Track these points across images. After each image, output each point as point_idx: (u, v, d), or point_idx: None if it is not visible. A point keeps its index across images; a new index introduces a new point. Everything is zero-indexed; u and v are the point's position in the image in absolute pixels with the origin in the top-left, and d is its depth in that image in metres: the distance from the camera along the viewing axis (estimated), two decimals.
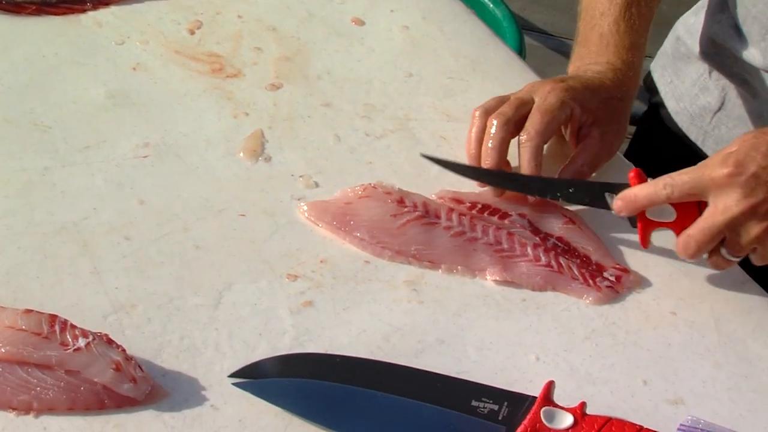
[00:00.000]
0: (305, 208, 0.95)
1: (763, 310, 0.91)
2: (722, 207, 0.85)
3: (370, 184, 0.96)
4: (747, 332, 0.88)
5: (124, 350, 0.78)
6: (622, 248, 0.96)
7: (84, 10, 1.17)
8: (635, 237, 0.95)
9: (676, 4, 1.31)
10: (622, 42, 1.04)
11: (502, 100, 0.99)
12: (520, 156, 0.95)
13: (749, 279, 0.94)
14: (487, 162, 0.96)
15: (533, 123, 0.95)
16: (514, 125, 0.96)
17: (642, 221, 0.91)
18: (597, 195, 0.93)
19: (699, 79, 1.18)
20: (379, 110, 1.09)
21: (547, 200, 0.96)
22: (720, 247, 0.88)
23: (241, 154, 1.01)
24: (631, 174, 0.91)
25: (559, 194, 0.95)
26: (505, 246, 0.92)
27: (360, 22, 1.22)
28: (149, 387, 0.76)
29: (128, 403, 0.76)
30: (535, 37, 2.92)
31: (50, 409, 0.75)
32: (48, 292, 0.84)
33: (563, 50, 2.89)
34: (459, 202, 0.96)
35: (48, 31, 1.13)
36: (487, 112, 0.98)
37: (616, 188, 0.92)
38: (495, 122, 0.96)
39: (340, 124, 1.06)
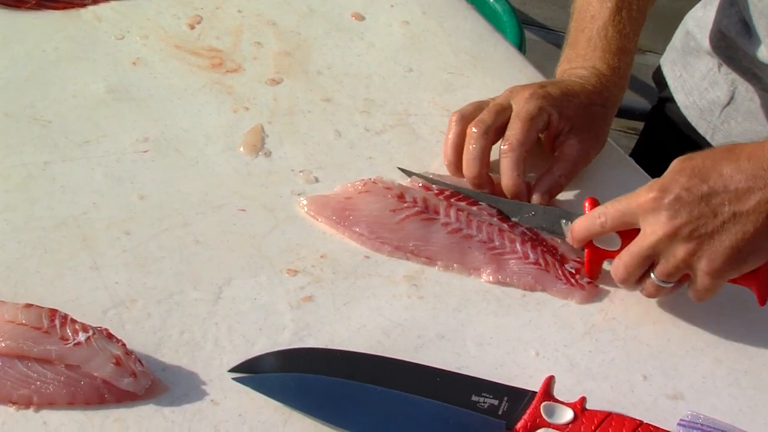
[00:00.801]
0: (305, 202, 0.95)
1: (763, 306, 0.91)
2: (649, 231, 0.84)
3: (370, 179, 0.96)
4: (747, 328, 0.88)
5: (124, 345, 0.78)
6: None
7: (84, 5, 1.17)
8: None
9: None
10: (609, 47, 1.03)
11: (479, 106, 0.98)
12: (501, 165, 0.95)
13: None
14: (468, 171, 0.95)
15: (514, 132, 0.95)
16: (494, 133, 0.96)
17: (589, 249, 0.90)
18: (554, 222, 0.94)
19: (708, 73, 1.18)
20: (379, 105, 1.09)
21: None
22: (650, 273, 0.87)
23: (241, 149, 1.01)
24: (586, 203, 0.91)
25: (521, 217, 0.95)
26: (497, 243, 0.92)
27: (360, 17, 1.22)
28: (149, 381, 0.76)
29: (128, 397, 0.76)
30: (536, 32, 2.92)
31: (50, 404, 0.75)
32: (48, 287, 0.84)
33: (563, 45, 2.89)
34: (427, 188, 0.96)
35: (48, 26, 1.13)
36: (465, 118, 0.97)
37: (572, 216, 0.92)
38: (474, 130, 0.95)
39: (340, 119, 1.06)
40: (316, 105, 1.08)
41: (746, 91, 1.13)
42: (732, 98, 1.14)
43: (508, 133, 0.95)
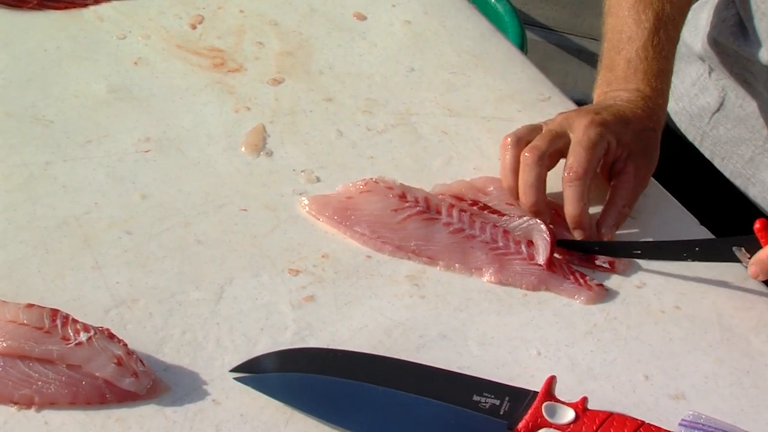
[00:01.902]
0: (306, 202, 0.95)
1: (766, 306, 0.91)
2: None
3: (371, 178, 0.96)
4: (749, 328, 0.88)
5: (125, 345, 0.78)
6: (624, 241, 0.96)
7: (85, 5, 1.17)
8: (635, 230, 0.95)
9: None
10: (651, 68, 1.01)
11: (533, 130, 0.96)
12: (565, 195, 0.92)
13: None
14: (525, 199, 0.93)
15: (579, 160, 0.92)
16: (549, 159, 0.94)
17: None
18: (725, 251, 0.90)
19: (699, 79, 1.17)
20: (381, 105, 1.09)
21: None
22: None
23: (243, 149, 1.01)
24: (757, 225, 0.87)
25: (686, 255, 0.92)
26: (501, 244, 0.92)
27: (362, 17, 1.22)
28: (151, 381, 0.76)
29: (130, 397, 0.76)
30: (537, 32, 2.92)
31: (52, 404, 0.75)
32: (49, 287, 0.84)
33: (565, 45, 2.89)
34: (459, 199, 0.96)
35: (49, 26, 1.13)
36: (520, 141, 0.94)
37: (744, 242, 0.88)
38: (529, 156, 0.92)
39: (341, 118, 1.06)
40: (318, 105, 1.08)
41: (736, 98, 1.12)
42: (722, 104, 1.14)
43: (570, 161, 0.92)
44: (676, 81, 1.20)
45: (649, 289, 0.91)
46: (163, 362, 0.79)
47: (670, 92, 1.19)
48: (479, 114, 1.09)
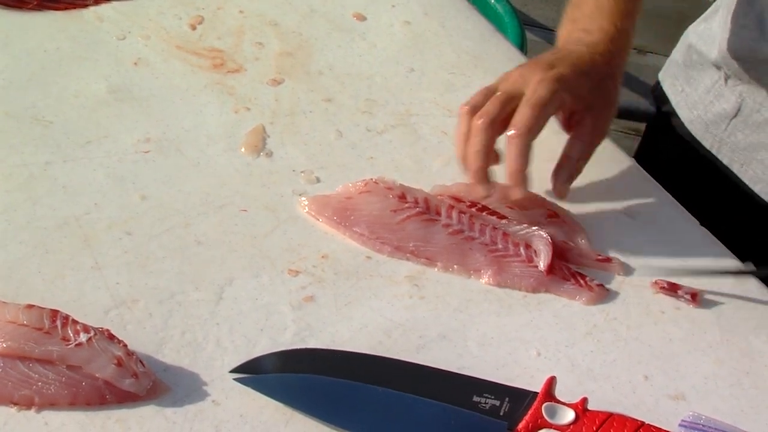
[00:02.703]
0: (306, 203, 0.95)
1: (766, 307, 0.91)
2: None
3: (371, 179, 0.96)
4: (749, 328, 0.88)
5: (125, 345, 0.78)
6: (622, 243, 0.96)
7: (85, 5, 1.17)
8: (632, 234, 0.95)
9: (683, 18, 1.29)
10: (618, 7, 1.01)
11: (487, 95, 0.94)
12: (507, 151, 0.92)
13: (751, 276, 0.94)
14: (468, 165, 0.93)
15: (523, 118, 0.90)
16: (501, 123, 0.92)
17: None
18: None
19: (714, 86, 1.16)
20: (381, 105, 1.09)
21: (529, 194, 0.94)
22: None
23: (243, 150, 1.01)
24: None
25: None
26: (500, 246, 0.92)
27: (361, 18, 1.22)
28: (151, 382, 0.76)
29: (130, 398, 0.76)
30: (537, 32, 2.91)
31: (52, 404, 0.75)
32: (49, 287, 0.84)
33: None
34: (457, 200, 0.96)
35: (49, 26, 1.13)
36: (474, 109, 0.93)
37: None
38: (478, 123, 0.92)
39: (341, 119, 1.06)
40: (318, 105, 1.08)
41: (754, 103, 1.12)
42: (739, 110, 1.13)
43: (516, 118, 0.91)
44: (689, 89, 1.20)
45: (649, 290, 0.91)
46: (163, 363, 0.79)
47: (683, 100, 1.19)
48: None
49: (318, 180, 0.98)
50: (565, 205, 0.98)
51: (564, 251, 0.93)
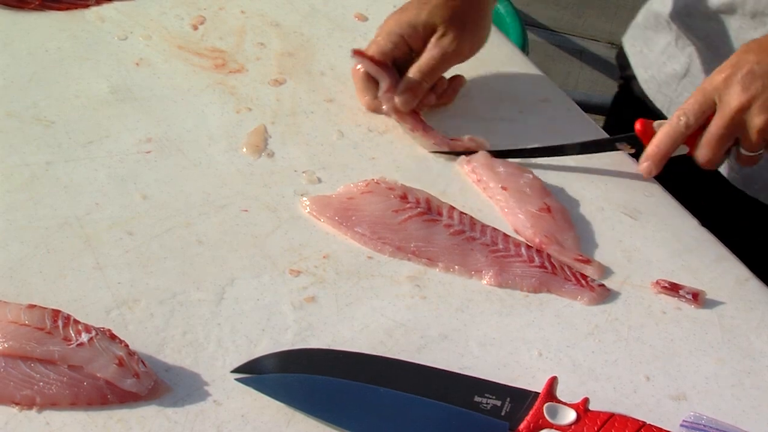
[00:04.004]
0: (308, 203, 0.95)
1: (767, 306, 0.91)
2: (725, 107, 0.89)
3: (373, 179, 0.96)
4: (750, 329, 0.88)
5: (126, 345, 0.78)
6: (621, 244, 0.96)
7: (87, 5, 1.17)
8: (631, 234, 0.95)
9: None
10: None
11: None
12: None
13: (752, 276, 0.94)
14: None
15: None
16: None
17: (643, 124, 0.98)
18: (608, 147, 1.01)
19: (667, 47, 1.20)
20: None
21: (525, 184, 0.98)
22: (739, 147, 0.93)
23: (244, 150, 1.01)
24: (638, 127, 0.97)
25: (571, 151, 1.01)
26: (501, 246, 0.92)
27: (363, 18, 1.22)
28: (152, 382, 0.76)
29: (131, 398, 0.76)
30: (538, 33, 2.92)
31: (53, 404, 0.75)
32: (51, 287, 0.84)
33: (566, 46, 2.89)
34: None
35: (51, 26, 1.13)
36: None
37: (626, 139, 0.98)
38: None
39: (343, 119, 1.06)
40: (319, 105, 1.08)
41: (702, 63, 1.14)
42: (688, 70, 1.16)
43: None
44: (646, 49, 1.24)
45: (650, 290, 0.91)
46: (165, 363, 0.79)
47: (641, 61, 1.24)
48: (480, 115, 1.09)
49: (319, 180, 0.98)
50: (565, 205, 0.98)
51: (544, 244, 0.93)
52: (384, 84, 1.04)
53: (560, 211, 0.97)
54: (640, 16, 1.27)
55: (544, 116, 1.09)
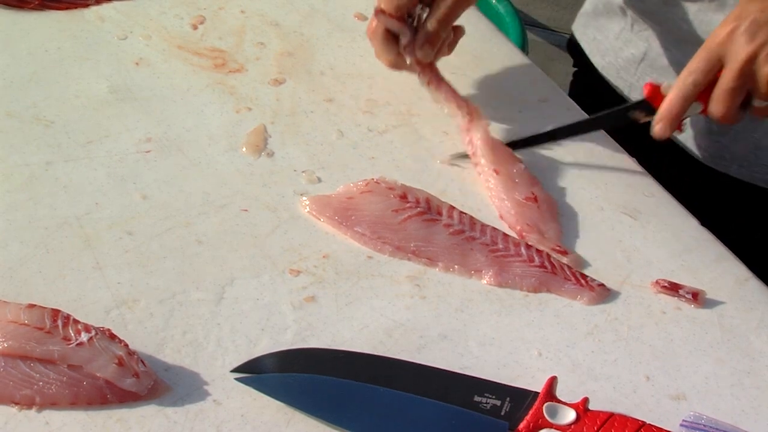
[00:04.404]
0: (307, 202, 0.95)
1: (766, 306, 0.91)
2: (732, 60, 0.88)
3: (372, 179, 0.96)
4: (750, 328, 0.88)
5: (126, 345, 0.78)
6: (621, 244, 0.96)
7: (87, 5, 1.17)
8: (631, 234, 0.95)
9: None
10: None
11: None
12: None
13: (752, 276, 0.94)
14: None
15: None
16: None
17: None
18: (622, 118, 1.00)
19: (621, 32, 1.20)
20: (382, 106, 1.09)
21: (516, 173, 0.99)
22: (752, 99, 0.91)
23: (244, 149, 1.01)
24: (646, 92, 0.96)
25: (590, 127, 1.03)
26: (500, 246, 0.92)
27: (363, 18, 1.22)
28: (152, 382, 0.76)
29: (131, 397, 0.76)
30: (538, 32, 2.92)
31: (53, 404, 0.75)
32: (51, 287, 0.84)
33: (566, 46, 2.89)
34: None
35: (51, 26, 1.13)
36: None
37: (636, 106, 0.98)
38: None
39: (342, 119, 1.06)
40: (319, 105, 1.08)
41: (659, 47, 1.15)
42: (645, 54, 1.16)
43: None
44: (600, 36, 1.24)
45: (650, 290, 0.91)
46: (164, 362, 0.79)
47: (596, 48, 1.25)
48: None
49: (319, 180, 0.98)
50: (564, 204, 0.98)
51: (525, 232, 0.94)
52: (405, 38, 1.02)
53: (546, 201, 0.97)
54: (589, 4, 1.27)
55: (544, 116, 1.09)
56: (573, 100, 1.32)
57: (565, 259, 0.92)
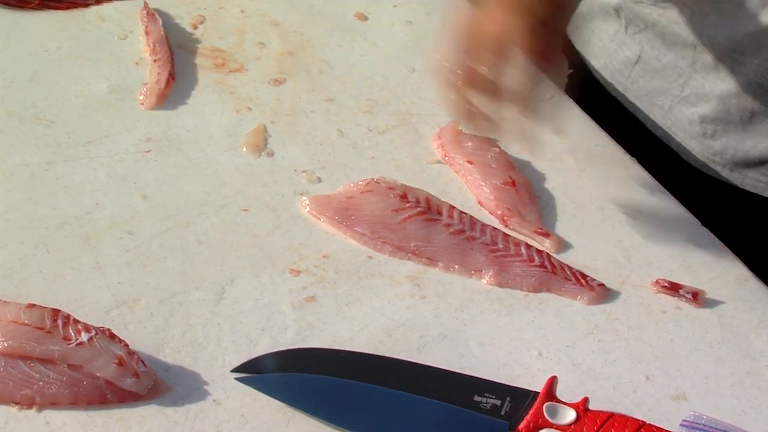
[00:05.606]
0: (307, 202, 0.95)
1: (766, 306, 0.91)
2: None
3: (372, 178, 0.96)
4: (750, 328, 0.88)
5: (126, 345, 0.78)
6: (621, 244, 0.96)
7: (87, 5, 1.17)
8: (631, 234, 0.95)
9: None
10: None
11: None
12: None
13: (752, 275, 0.94)
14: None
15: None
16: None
17: None
18: None
19: (616, 35, 1.20)
20: (382, 105, 1.09)
21: (491, 158, 0.98)
22: None
23: (244, 149, 1.01)
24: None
25: None
26: (501, 246, 0.92)
27: (363, 17, 1.22)
28: (152, 382, 0.76)
29: (131, 397, 0.76)
30: None
31: (53, 404, 0.75)
32: (51, 287, 0.84)
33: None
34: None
35: (51, 26, 1.13)
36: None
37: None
38: None
39: (342, 119, 1.06)
40: (319, 105, 1.08)
41: (652, 50, 1.15)
42: (639, 57, 1.16)
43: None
44: (593, 38, 1.23)
45: (650, 290, 0.91)
46: (164, 362, 0.79)
47: (590, 50, 1.23)
48: None
49: (319, 180, 0.98)
50: (566, 204, 0.98)
51: (506, 216, 0.95)
52: None
53: (524, 185, 0.98)
54: (584, 6, 1.27)
55: (544, 116, 1.09)
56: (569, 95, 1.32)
57: (547, 242, 0.93)
